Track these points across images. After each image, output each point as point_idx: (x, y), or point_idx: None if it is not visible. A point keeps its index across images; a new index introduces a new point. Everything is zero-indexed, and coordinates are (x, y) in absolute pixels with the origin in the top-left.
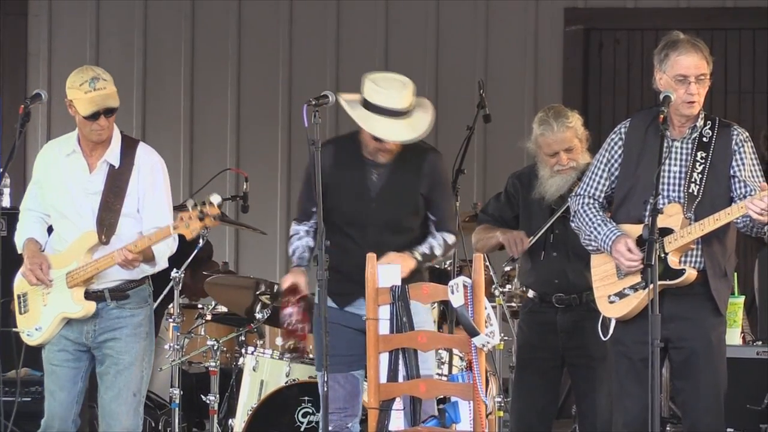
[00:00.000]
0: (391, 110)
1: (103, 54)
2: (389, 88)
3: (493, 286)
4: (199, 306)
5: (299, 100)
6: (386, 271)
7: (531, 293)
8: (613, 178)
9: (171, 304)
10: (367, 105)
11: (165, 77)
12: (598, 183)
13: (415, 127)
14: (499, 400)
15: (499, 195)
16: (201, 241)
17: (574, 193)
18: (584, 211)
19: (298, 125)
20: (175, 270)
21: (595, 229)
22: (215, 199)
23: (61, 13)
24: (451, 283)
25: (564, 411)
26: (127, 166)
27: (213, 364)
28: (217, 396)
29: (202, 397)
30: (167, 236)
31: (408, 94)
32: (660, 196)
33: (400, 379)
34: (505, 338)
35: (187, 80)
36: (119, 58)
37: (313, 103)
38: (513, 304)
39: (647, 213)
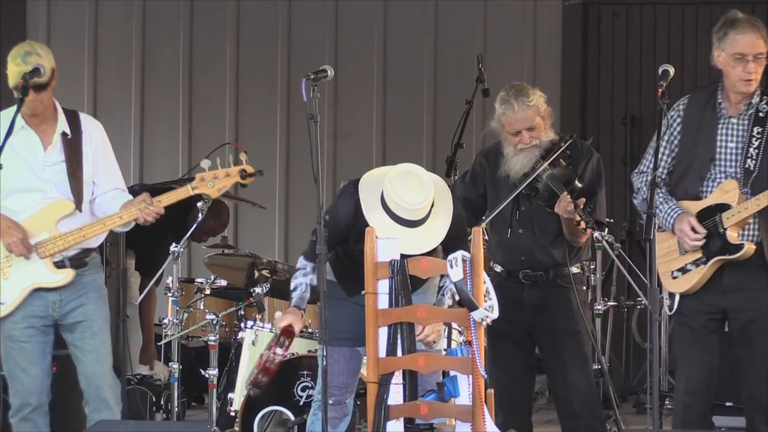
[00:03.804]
0: (407, 221)
1: (102, 29)
2: (408, 192)
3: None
4: (198, 281)
5: (298, 75)
6: (385, 245)
7: (498, 268)
8: (674, 155)
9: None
10: (385, 206)
11: (164, 52)
12: (660, 159)
13: (431, 237)
14: None
15: (465, 175)
16: (200, 215)
17: (637, 171)
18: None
19: (296, 99)
20: (174, 244)
21: (657, 207)
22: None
23: None
24: (450, 257)
25: None
26: (77, 134)
27: (212, 338)
28: (217, 370)
29: (202, 371)
30: (186, 196)
31: (427, 198)
32: (717, 172)
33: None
34: None
35: (185, 54)
36: (118, 34)
37: (312, 77)
38: None
39: (704, 189)
